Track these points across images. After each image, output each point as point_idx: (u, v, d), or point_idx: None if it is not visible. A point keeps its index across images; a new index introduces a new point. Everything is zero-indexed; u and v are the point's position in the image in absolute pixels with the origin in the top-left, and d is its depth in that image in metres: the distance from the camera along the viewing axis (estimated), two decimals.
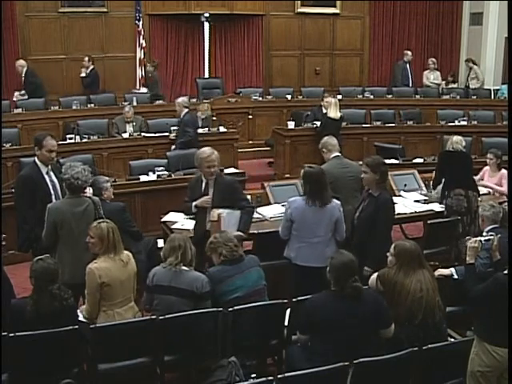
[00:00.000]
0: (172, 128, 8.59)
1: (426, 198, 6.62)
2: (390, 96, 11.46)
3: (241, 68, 12.69)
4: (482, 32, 13.14)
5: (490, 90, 12.33)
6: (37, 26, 11.42)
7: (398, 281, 3.88)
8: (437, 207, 6.29)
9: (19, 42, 11.36)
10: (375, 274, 4.07)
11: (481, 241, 4.28)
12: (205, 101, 10.12)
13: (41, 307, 3.77)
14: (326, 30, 13.17)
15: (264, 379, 3.28)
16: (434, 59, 12.62)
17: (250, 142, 10.58)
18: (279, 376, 3.29)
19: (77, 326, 3.78)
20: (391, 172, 6.57)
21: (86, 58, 10.88)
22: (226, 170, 7.80)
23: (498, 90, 12.22)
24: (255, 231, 5.39)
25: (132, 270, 4.24)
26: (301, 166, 5.09)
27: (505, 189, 6.68)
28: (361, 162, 5.46)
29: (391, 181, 6.70)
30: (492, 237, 4.36)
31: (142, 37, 11.83)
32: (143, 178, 7.28)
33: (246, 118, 10.54)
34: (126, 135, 8.86)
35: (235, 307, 4.00)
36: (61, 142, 7.79)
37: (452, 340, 4.02)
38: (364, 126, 9.83)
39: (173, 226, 5.58)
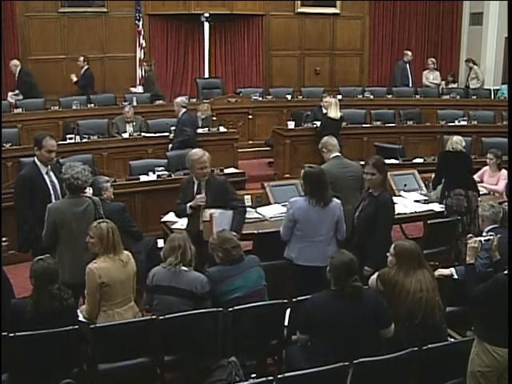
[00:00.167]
0: (172, 128, 8.59)
1: (426, 198, 6.62)
2: (390, 96, 11.46)
3: (241, 68, 12.70)
4: (482, 32, 13.15)
5: (490, 89, 12.33)
6: (37, 26, 11.43)
7: (398, 281, 3.88)
8: (437, 207, 6.29)
9: (19, 42, 11.37)
10: (375, 274, 4.07)
11: (481, 241, 4.28)
12: (205, 101, 10.12)
13: (41, 307, 3.77)
14: (326, 30, 13.18)
15: (264, 379, 3.28)
16: (433, 59, 12.62)
17: (250, 142, 10.58)
18: (279, 376, 3.29)
19: (77, 326, 3.78)
20: (391, 172, 6.58)
21: (81, 58, 10.86)
22: (226, 170, 7.82)
23: (498, 89, 12.22)
24: (255, 231, 5.39)
25: (132, 270, 4.24)
26: (301, 166, 5.10)
27: (499, 187, 6.69)
28: (362, 162, 5.47)
29: (391, 181, 6.70)
30: (492, 237, 4.36)
31: (141, 37, 11.84)
32: (143, 177, 7.28)
33: (246, 118, 10.54)
34: (126, 135, 8.86)
35: (235, 307, 4.00)
36: (61, 142, 7.80)
37: (452, 340, 4.02)
38: (364, 126, 9.82)
39: (173, 226, 5.58)
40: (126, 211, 5.37)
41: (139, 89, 11.31)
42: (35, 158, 5.08)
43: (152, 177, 7.26)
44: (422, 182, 7.02)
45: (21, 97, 10.07)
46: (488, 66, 12.99)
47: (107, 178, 5.57)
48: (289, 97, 11.09)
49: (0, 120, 7.68)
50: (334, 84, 13.01)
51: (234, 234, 4.88)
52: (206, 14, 12.04)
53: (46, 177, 5.04)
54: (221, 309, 4.02)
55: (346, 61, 13.42)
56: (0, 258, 4.58)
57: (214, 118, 9.70)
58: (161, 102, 10.51)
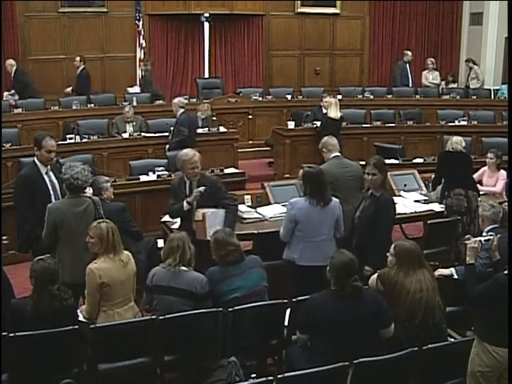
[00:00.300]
0: (171, 128, 8.59)
1: (426, 198, 6.62)
2: (390, 96, 11.46)
3: (241, 68, 12.70)
4: (482, 32, 13.15)
5: (490, 89, 12.33)
6: (37, 26, 11.43)
7: (398, 281, 3.88)
8: (437, 207, 6.29)
9: (19, 42, 11.37)
10: (375, 274, 4.07)
11: (481, 241, 4.28)
12: (205, 101, 10.12)
13: (41, 307, 3.77)
14: (326, 30, 13.18)
15: (264, 379, 3.28)
16: (432, 59, 12.61)
17: (250, 142, 10.58)
18: (279, 376, 3.29)
19: (77, 326, 3.78)
20: (391, 172, 6.58)
21: (78, 58, 10.83)
22: (226, 170, 7.82)
23: (498, 89, 12.22)
24: (255, 231, 5.39)
25: (132, 270, 4.24)
26: (300, 166, 5.09)
27: (497, 189, 6.68)
28: (362, 162, 5.47)
29: (391, 181, 6.70)
30: (492, 237, 4.36)
31: (141, 37, 11.84)
32: (143, 177, 7.28)
33: (246, 117, 10.54)
34: (126, 135, 8.86)
35: (235, 307, 4.00)
36: (61, 142, 7.81)
37: (452, 340, 4.02)
38: (364, 126, 9.82)
39: (173, 226, 5.58)
40: (126, 211, 5.37)
41: (136, 89, 11.29)
42: (35, 158, 5.09)
43: (152, 177, 7.26)
44: (422, 182, 7.01)
45: (16, 97, 10.04)
46: (488, 66, 12.99)
47: (107, 178, 5.57)
48: (289, 97, 11.09)
49: (0, 120, 7.68)
50: (334, 84, 13.01)
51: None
52: (206, 14, 12.04)
53: (45, 177, 5.04)
54: (221, 309, 4.02)
55: (346, 61, 13.42)
56: (0, 258, 4.59)
57: (214, 118, 9.70)
58: (161, 102, 10.51)
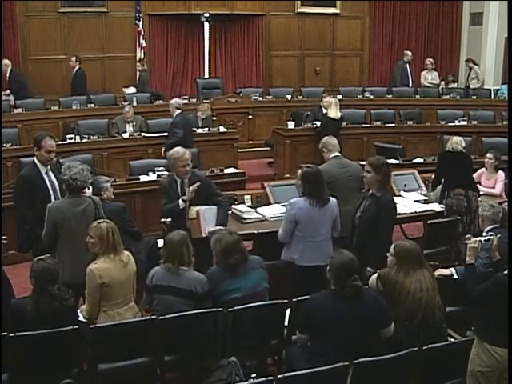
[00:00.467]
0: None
1: (426, 198, 6.62)
2: (390, 96, 11.46)
3: (241, 68, 12.70)
4: (482, 32, 13.15)
5: (490, 90, 12.33)
6: (37, 26, 11.44)
7: (398, 281, 3.88)
8: (437, 207, 6.29)
9: (19, 42, 11.38)
10: (375, 274, 4.07)
11: (481, 241, 4.28)
12: (205, 101, 10.12)
13: (41, 307, 3.77)
14: (326, 30, 13.18)
15: (264, 379, 3.28)
16: (431, 59, 12.62)
17: (250, 142, 10.58)
18: (279, 376, 3.29)
19: (77, 326, 3.78)
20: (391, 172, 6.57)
21: (73, 58, 10.82)
22: (226, 170, 7.83)
23: (498, 89, 12.22)
24: (255, 231, 5.39)
25: (132, 270, 4.24)
26: (299, 166, 5.09)
27: (496, 191, 6.68)
28: (362, 162, 5.47)
29: (391, 181, 6.69)
30: (492, 237, 4.36)
31: (142, 37, 11.85)
32: (143, 177, 7.29)
33: (246, 117, 10.54)
34: (126, 135, 8.86)
35: (235, 307, 4.00)
36: (61, 142, 7.82)
37: (452, 340, 4.02)
38: (364, 126, 9.82)
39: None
40: (126, 211, 5.37)
41: (132, 89, 11.29)
42: (35, 158, 5.09)
43: (152, 177, 7.26)
44: (422, 182, 7.01)
45: (11, 97, 10.02)
46: (488, 66, 12.99)
47: (107, 178, 5.58)
48: (289, 97, 11.09)
49: (0, 120, 7.68)
50: (334, 84, 13.01)
51: (221, 227, 4.96)
52: (206, 14, 12.04)
53: (45, 177, 5.04)
54: (221, 309, 4.02)
55: (346, 61, 13.42)
56: (0, 258, 4.59)
57: (214, 118, 9.71)
58: (161, 102, 10.51)
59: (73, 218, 4.55)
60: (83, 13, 11.60)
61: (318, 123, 9.15)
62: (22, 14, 11.31)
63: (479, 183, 6.64)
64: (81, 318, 4.11)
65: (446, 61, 13.87)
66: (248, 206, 6.13)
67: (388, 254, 4.07)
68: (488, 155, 6.91)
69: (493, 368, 3.60)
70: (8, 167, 7.57)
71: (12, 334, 3.61)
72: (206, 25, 12.35)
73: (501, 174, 6.76)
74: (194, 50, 12.43)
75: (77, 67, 10.84)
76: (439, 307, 3.91)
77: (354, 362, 3.40)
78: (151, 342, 3.94)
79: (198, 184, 5.05)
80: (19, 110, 9.42)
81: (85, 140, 8.30)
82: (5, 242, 4.86)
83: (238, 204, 6.15)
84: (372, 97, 11.26)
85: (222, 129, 9.32)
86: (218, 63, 12.57)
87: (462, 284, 4.10)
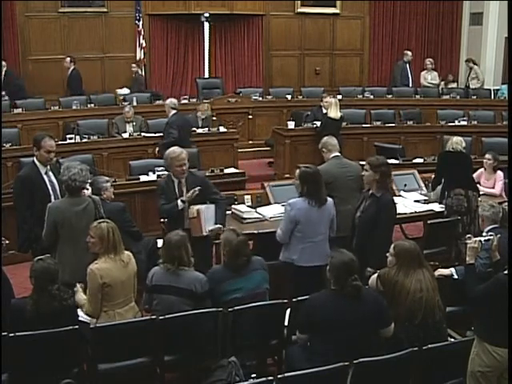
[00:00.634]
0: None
1: (426, 198, 6.62)
2: (390, 96, 11.46)
3: (241, 68, 12.70)
4: (482, 32, 13.15)
5: (490, 90, 12.33)
6: (37, 26, 11.44)
7: (398, 281, 3.88)
8: (437, 207, 6.29)
9: (19, 42, 11.38)
10: (375, 274, 4.07)
11: (481, 241, 4.27)
12: (205, 101, 10.12)
13: (41, 307, 3.77)
14: (326, 30, 13.19)
15: (264, 379, 3.28)
16: (431, 59, 12.61)
17: (250, 142, 10.58)
18: (279, 376, 3.29)
19: (77, 326, 3.78)
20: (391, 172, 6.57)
21: (68, 59, 10.82)
22: (226, 170, 7.82)
23: (498, 90, 12.22)
24: (255, 231, 5.39)
25: (132, 271, 4.23)
26: (297, 166, 5.08)
27: (496, 191, 6.68)
28: (362, 162, 5.46)
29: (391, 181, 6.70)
30: (492, 237, 4.36)
31: (142, 37, 11.85)
32: (143, 177, 7.28)
33: (246, 117, 10.54)
34: (126, 135, 8.86)
35: (235, 307, 4.00)
36: (61, 142, 7.82)
37: (452, 340, 4.02)
38: (364, 126, 9.82)
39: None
40: (126, 211, 5.38)
41: (125, 90, 11.28)
42: (34, 158, 5.09)
43: (152, 177, 7.25)
44: (422, 182, 7.01)
45: (6, 98, 9.98)
46: (488, 66, 12.99)
47: (107, 178, 5.58)
48: (289, 97, 11.09)
49: (0, 120, 7.68)
50: (334, 84, 13.01)
51: (220, 226, 4.97)
52: (206, 14, 12.04)
53: (45, 177, 5.04)
54: (221, 309, 4.02)
55: (346, 61, 13.42)
56: (0, 258, 4.59)
57: (214, 118, 9.70)
58: (161, 102, 10.48)
59: (73, 217, 4.55)
60: (83, 13, 11.60)
61: (318, 123, 9.14)
62: (22, 13, 11.31)
63: (479, 183, 6.64)
64: (81, 318, 4.11)
65: (446, 61, 13.87)
66: (248, 206, 6.13)
67: (388, 254, 4.07)
68: (487, 156, 6.91)
69: (493, 368, 3.60)
70: (8, 167, 7.56)
71: (12, 334, 3.61)
72: (206, 25, 12.35)
73: (500, 173, 6.76)
74: (194, 50, 12.44)
75: (71, 68, 10.84)
76: (439, 307, 3.91)
77: (354, 362, 3.40)
78: (151, 342, 3.94)
79: (198, 188, 5.04)
80: (19, 110, 9.41)
81: (85, 140, 8.30)
82: (5, 243, 4.86)
83: (238, 204, 6.15)
84: (372, 97, 11.26)
85: (222, 129, 9.32)
86: (218, 63, 12.57)
87: (462, 284, 4.10)
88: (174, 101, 8.57)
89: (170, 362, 4.02)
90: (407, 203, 6.43)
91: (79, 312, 4.15)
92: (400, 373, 3.58)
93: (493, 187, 6.74)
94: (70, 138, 8.26)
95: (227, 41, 12.59)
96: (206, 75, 12.42)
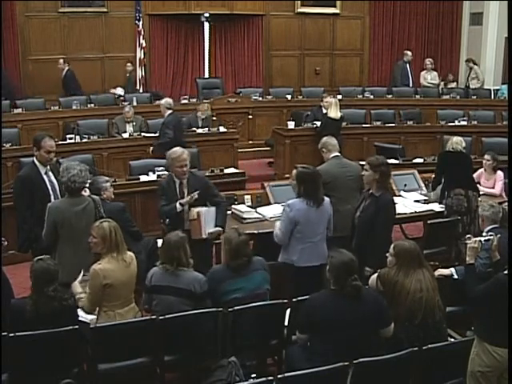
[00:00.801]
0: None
1: (426, 198, 6.62)
2: (390, 96, 11.46)
3: (241, 68, 12.70)
4: (482, 32, 13.15)
5: (490, 90, 12.33)
6: (37, 26, 11.44)
7: (398, 281, 3.88)
8: (437, 207, 6.29)
9: (19, 42, 11.38)
10: (375, 274, 4.07)
11: (481, 241, 4.27)
12: (205, 101, 10.12)
13: (40, 307, 3.76)
14: (326, 30, 13.18)
15: (264, 379, 3.28)
16: (430, 59, 12.61)
17: (250, 142, 10.58)
18: (279, 376, 3.29)
19: (77, 326, 3.78)
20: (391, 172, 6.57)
21: (61, 61, 10.87)
22: (226, 170, 7.83)
23: (498, 90, 12.22)
24: (255, 231, 5.39)
25: (134, 271, 4.23)
26: (294, 166, 5.07)
27: (496, 191, 6.68)
28: (361, 162, 5.47)
29: (391, 181, 6.69)
30: (492, 237, 4.36)
31: (142, 37, 11.85)
32: (143, 177, 7.29)
33: (246, 117, 10.54)
34: (126, 135, 8.86)
35: (235, 307, 4.00)
36: (61, 142, 7.82)
37: (452, 340, 4.02)
38: (364, 126, 9.82)
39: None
40: (126, 211, 5.37)
41: (119, 90, 11.28)
42: (34, 159, 5.09)
43: (152, 177, 7.26)
44: (422, 182, 7.02)
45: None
46: (488, 66, 12.99)
47: (107, 178, 5.58)
48: (289, 97, 11.09)
49: (0, 120, 7.68)
50: (334, 84, 13.01)
51: (220, 228, 4.98)
52: (206, 14, 12.04)
53: (45, 177, 5.04)
54: (221, 309, 4.02)
55: (346, 61, 13.42)
56: (0, 258, 4.59)
57: (214, 118, 9.70)
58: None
59: (73, 217, 4.55)
60: (83, 13, 11.60)
61: (318, 123, 9.14)
62: (22, 13, 11.31)
63: (479, 183, 6.64)
64: (81, 318, 4.11)
65: (446, 61, 13.87)
66: (248, 206, 6.14)
67: (388, 254, 4.07)
68: (486, 157, 6.91)
69: (493, 368, 3.60)
70: (8, 167, 7.56)
71: (12, 334, 3.61)
72: (206, 25, 12.35)
73: (500, 173, 6.77)
74: (194, 50, 12.43)
75: (66, 69, 10.86)
76: (439, 307, 3.91)
77: (354, 362, 3.40)
78: (151, 341, 3.94)
79: (197, 192, 5.03)
80: (19, 110, 9.41)
81: (85, 140, 8.30)
82: (4, 243, 4.85)
83: (238, 204, 6.15)
84: (372, 97, 11.25)
85: (222, 129, 9.32)
86: (218, 63, 12.56)
87: (462, 284, 4.10)
88: (170, 101, 8.57)
89: (169, 362, 4.02)
90: (407, 203, 6.43)
91: (79, 312, 4.15)
92: (400, 373, 3.58)
93: (493, 187, 6.75)
94: (70, 138, 8.26)
95: (227, 41, 12.59)
96: (206, 75, 12.42)
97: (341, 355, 3.46)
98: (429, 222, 5.94)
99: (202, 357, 4.05)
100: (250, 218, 5.83)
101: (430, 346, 3.60)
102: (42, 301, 3.77)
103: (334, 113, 8.84)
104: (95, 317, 4.15)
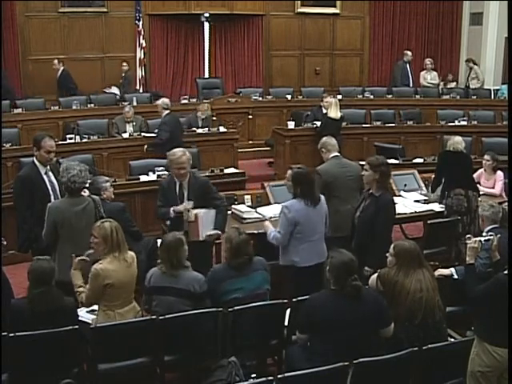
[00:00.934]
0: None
1: (426, 197, 6.62)
2: (390, 96, 11.46)
3: (241, 68, 12.70)
4: (482, 32, 13.15)
5: (490, 90, 12.33)
6: (37, 26, 11.44)
7: (398, 281, 3.88)
8: (437, 207, 6.29)
9: (19, 42, 11.38)
10: (375, 274, 4.07)
11: (481, 241, 4.27)
12: (205, 101, 10.11)
13: (36, 306, 3.77)
14: (326, 30, 13.18)
15: (264, 379, 3.28)
16: (430, 59, 12.61)
17: (250, 142, 10.58)
18: (279, 376, 3.29)
19: (77, 326, 3.78)
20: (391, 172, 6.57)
21: (56, 61, 10.86)
22: (226, 170, 7.82)
23: (498, 90, 12.22)
24: (255, 231, 5.39)
25: (135, 271, 4.22)
26: (289, 167, 5.06)
27: (496, 191, 6.68)
28: (361, 162, 5.47)
29: (391, 181, 6.70)
30: (492, 237, 4.36)
31: (142, 37, 11.85)
32: (143, 177, 7.29)
33: (246, 117, 10.54)
34: (126, 135, 8.86)
35: (235, 307, 4.00)
36: (61, 142, 7.82)
37: (452, 340, 4.02)
38: (364, 126, 9.82)
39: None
40: (126, 211, 5.37)
41: (113, 89, 11.27)
42: (34, 159, 5.08)
43: (152, 177, 7.26)
44: (422, 182, 7.02)
45: None
46: (488, 66, 12.99)
47: (107, 178, 5.58)
48: (289, 97, 11.09)
49: (0, 120, 7.68)
50: (334, 84, 13.01)
51: (219, 232, 4.97)
52: (206, 14, 12.04)
53: (45, 177, 5.03)
54: (221, 309, 4.02)
55: (346, 61, 13.42)
56: (0, 258, 4.59)
57: (214, 118, 9.70)
58: None
59: (73, 217, 4.55)
60: (83, 13, 11.60)
61: (318, 123, 9.14)
62: (22, 13, 11.31)
63: (479, 183, 6.64)
64: (81, 318, 4.11)
65: (446, 61, 13.87)
66: (248, 206, 6.14)
67: (388, 254, 4.07)
68: (486, 157, 6.91)
69: (493, 368, 3.60)
70: (8, 167, 7.56)
71: (12, 334, 3.61)
72: (206, 25, 12.35)
73: (500, 173, 6.77)
74: (194, 50, 12.43)
75: (61, 69, 10.85)
76: (439, 307, 3.91)
77: (354, 362, 3.40)
78: (151, 342, 3.94)
79: (191, 205, 4.98)
80: (19, 110, 9.41)
81: (85, 140, 8.30)
82: (4, 243, 4.86)
83: (238, 204, 6.15)
84: (372, 97, 11.25)
85: (222, 129, 9.32)
86: (218, 63, 12.56)
87: (462, 284, 4.10)
88: (166, 101, 8.57)
89: (169, 362, 4.02)
90: (407, 203, 6.44)
91: (79, 312, 4.16)
92: (400, 373, 3.58)
93: (493, 187, 6.75)
94: (70, 138, 8.26)
95: (227, 41, 12.59)
96: (206, 75, 12.42)
97: (341, 355, 3.46)
98: (429, 221, 5.94)
99: (202, 357, 4.05)
100: (249, 218, 5.83)
101: (430, 346, 3.60)
102: (37, 300, 3.77)
103: (334, 113, 8.84)
104: (95, 317, 4.16)
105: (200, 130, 9.05)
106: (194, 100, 10.51)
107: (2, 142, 7.72)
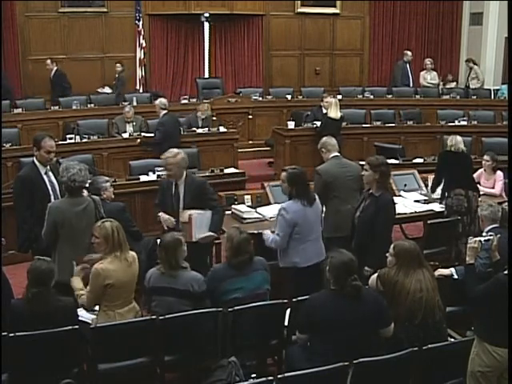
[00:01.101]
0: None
1: (426, 197, 6.62)
2: (390, 96, 11.46)
3: (241, 68, 12.70)
4: (482, 32, 13.15)
5: (490, 90, 12.32)
6: (37, 26, 11.44)
7: (398, 281, 3.89)
8: (437, 207, 6.30)
9: (19, 42, 11.38)
10: (375, 274, 4.07)
11: (480, 241, 4.27)
12: (205, 101, 10.11)
13: (34, 306, 3.77)
14: (326, 30, 13.18)
15: (264, 379, 3.28)
16: (430, 59, 12.61)
17: (250, 142, 10.58)
18: (279, 376, 3.29)
19: (77, 326, 3.78)
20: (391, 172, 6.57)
21: (48, 61, 10.84)
22: (226, 170, 7.82)
23: (498, 90, 12.21)
24: (255, 231, 5.39)
25: (135, 271, 4.21)
26: (283, 168, 5.06)
27: (496, 191, 6.68)
28: (361, 162, 5.47)
29: (391, 181, 6.70)
30: (492, 237, 4.36)
31: (142, 37, 11.85)
32: (143, 177, 7.29)
33: (246, 117, 10.54)
34: (126, 135, 8.86)
35: (235, 307, 4.00)
36: (61, 142, 7.82)
37: (452, 340, 4.02)
38: (364, 126, 9.82)
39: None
40: (126, 211, 5.38)
41: (106, 89, 11.25)
42: (34, 159, 5.08)
43: (152, 177, 7.26)
44: (422, 182, 7.01)
45: None
46: (488, 66, 12.99)
47: (107, 178, 5.58)
48: (289, 97, 11.09)
49: (0, 120, 7.68)
50: (334, 84, 13.01)
51: (214, 233, 4.98)
52: (206, 14, 12.04)
53: (44, 177, 5.03)
54: (221, 309, 4.02)
55: (346, 61, 13.42)
56: (0, 258, 4.59)
57: (214, 118, 9.70)
58: None
59: (73, 217, 4.54)
60: (83, 13, 11.60)
61: (318, 123, 9.14)
62: (22, 13, 11.31)
63: (479, 183, 6.64)
64: (81, 318, 4.11)
65: (446, 61, 13.87)
66: (248, 206, 6.14)
67: (388, 254, 4.07)
68: (485, 157, 6.90)
69: (493, 368, 3.60)
70: (8, 167, 7.56)
71: (12, 334, 3.61)
72: (206, 25, 12.35)
73: (499, 173, 6.77)
74: (194, 50, 12.43)
75: (54, 69, 10.84)
76: (439, 307, 3.91)
77: (354, 362, 3.40)
78: (151, 341, 3.94)
79: (172, 222, 4.99)
80: (19, 110, 9.41)
81: (85, 140, 8.30)
82: (4, 243, 4.86)
83: (238, 204, 6.14)
84: (372, 97, 11.25)
85: (222, 129, 9.32)
86: (218, 63, 12.56)
87: (462, 284, 4.10)
88: (164, 101, 8.58)
89: (169, 362, 4.02)
90: (407, 203, 6.44)
91: (79, 312, 4.15)
92: (400, 373, 3.58)
93: (493, 187, 6.75)
94: (70, 138, 8.26)
95: (227, 41, 12.59)
96: (206, 75, 12.42)
97: (341, 355, 3.46)
98: (429, 222, 5.94)
99: (202, 357, 4.05)
100: (250, 218, 5.83)
101: (430, 346, 3.60)
102: (34, 300, 3.77)
103: (334, 113, 8.84)
104: (95, 316, 4.16)
105: (200, 130, 9.05)
106: (194, 100, 10.51)
107: (2, 142, 7.72)
